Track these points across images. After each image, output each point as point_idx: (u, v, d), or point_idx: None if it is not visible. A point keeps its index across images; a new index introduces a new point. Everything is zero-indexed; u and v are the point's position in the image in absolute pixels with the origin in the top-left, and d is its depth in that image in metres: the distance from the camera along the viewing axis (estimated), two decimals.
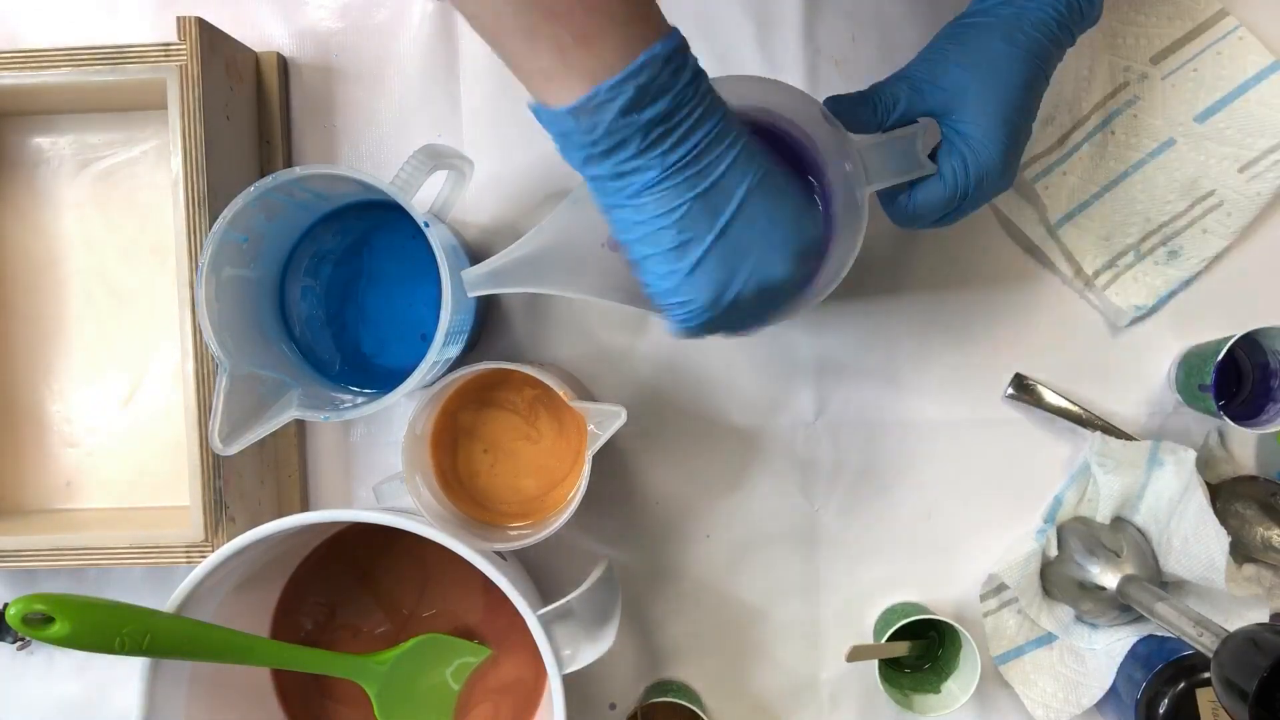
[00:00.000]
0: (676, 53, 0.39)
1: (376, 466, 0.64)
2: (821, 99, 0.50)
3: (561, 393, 0.54)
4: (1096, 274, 0.60)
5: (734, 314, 0.44)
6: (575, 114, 0.39)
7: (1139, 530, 0.60)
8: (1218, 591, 0.55)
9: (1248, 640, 0.43)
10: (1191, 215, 0.60)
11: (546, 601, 0.52)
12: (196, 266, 0.51)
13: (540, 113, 0.41)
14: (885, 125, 0.49)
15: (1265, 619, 0.57)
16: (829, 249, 0.51)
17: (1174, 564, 0.57)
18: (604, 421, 0.53)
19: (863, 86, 0.51)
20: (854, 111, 0.49)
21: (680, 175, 0.40)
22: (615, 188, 0.41)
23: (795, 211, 0.43)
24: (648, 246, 0.42)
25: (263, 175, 0.57)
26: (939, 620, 0.59)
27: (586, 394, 0.62)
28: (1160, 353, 0.61)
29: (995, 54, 0.47)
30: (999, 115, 0.47)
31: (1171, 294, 0.61)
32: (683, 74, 0.39)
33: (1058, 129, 0.60)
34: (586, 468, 0.53)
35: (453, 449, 0.58)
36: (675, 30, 0.40)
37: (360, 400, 0.55)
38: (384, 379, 0.58)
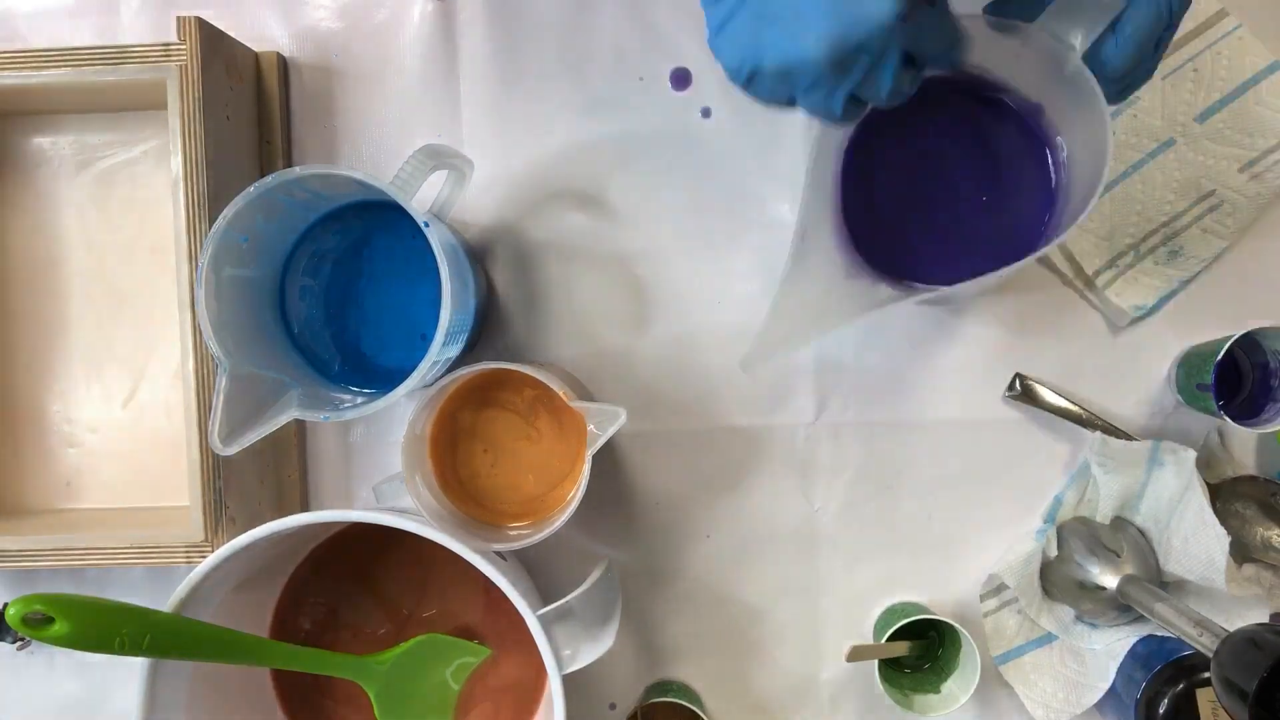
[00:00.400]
0: None
1: (376, 466, 0.64)
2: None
3: (561, 393, 0.54)
4: (1097, 274, 0.60)
5: (771, 91, 0.39)
6: None
7: (1139, 530, 0.60)
8: (1218, 591, 0.55)
9: (1248, 640, 0.43)
10: (1192, 215, 0.60)
11: (546, 601, 0.52)
12: (196, 266, 0.51)
13: None
14: None
15: (1265, 619, 0.57)
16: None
17: (1174, 564, 0.57)
18: (604, 421, 0.53)
19: None
20: None
21: None
22: None
23: None
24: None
25: (263, 175, 0.57)
26: (939, 620, 0.59)
27: (586, 394, 0.62)
28: (1160, 352, 0.61)
29: None
30: None
31: (1172, 294, 0.60)
32: None
33: None
34: (586, 467, 0.53)
35: (453, 449, 0.58)
36: None
37: (360, 400, 0.55)
38: (384, 379, 0.58)
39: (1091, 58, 0.44)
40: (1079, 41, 0.44)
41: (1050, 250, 0.58)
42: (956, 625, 0.58)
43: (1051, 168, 0.53)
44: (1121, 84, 0.45)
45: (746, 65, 0.38)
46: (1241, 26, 0.59)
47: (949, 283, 0.49)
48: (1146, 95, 0.59)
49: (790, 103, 0.41)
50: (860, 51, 0.37)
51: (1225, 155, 0.59)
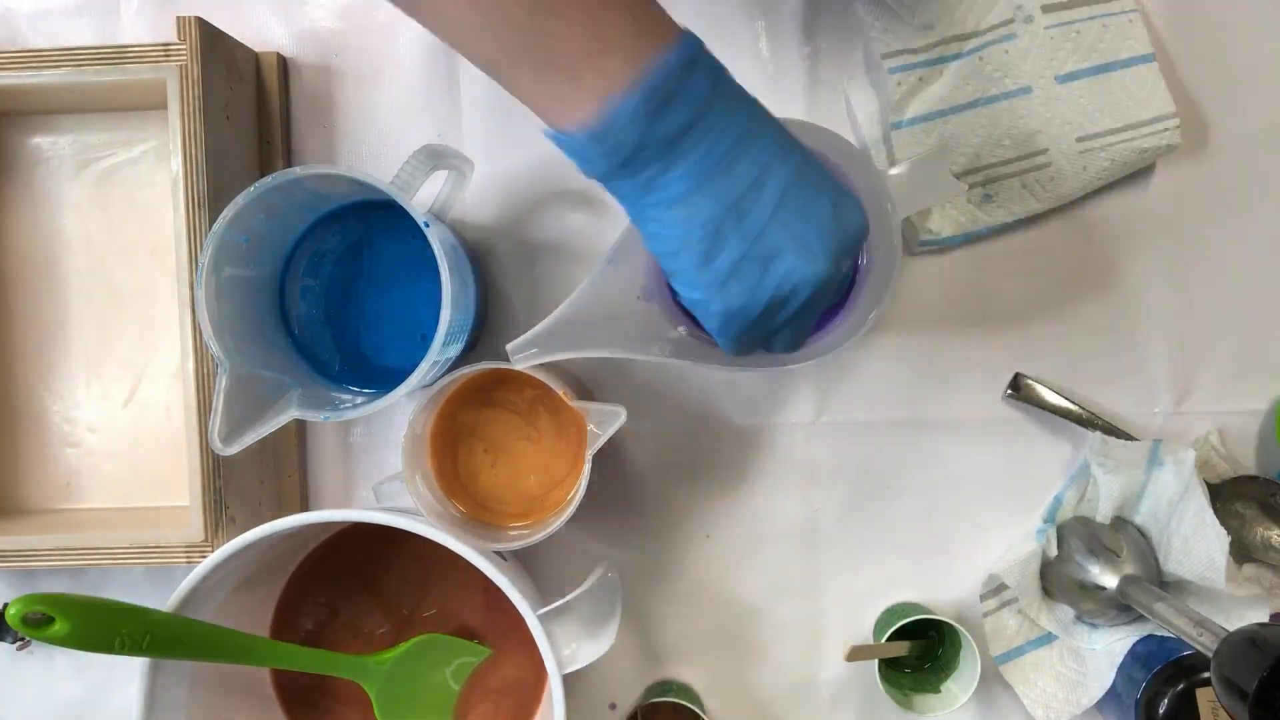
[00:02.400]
0: (692, 57, 0.37)
1: (376, 466, 0.64)
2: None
3: (561, 393, 0.54)
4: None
5: (772, 319, 0.42)
6: (592, 136, 0.37)
7: (1139, 530, 0.60)
8: (1218, 591, 0.55)
9: (1248, 640, 0.43)
10: (1018, 166, 0.59)
11: (546, 601, 0.52)
12: (196, 266, 0.51)
13: (556, 138, 0.39)
14: None
15: (1265, 619, 0.57)
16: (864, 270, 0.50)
17: (1174, 564, 0.57)
18: (604, 421, 0.53)
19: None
20: None
21: (708, 184, 0.38)
22: (643, 202, 0.40)
23: (832, 206, 0.41)
24: (679, 260, 0.40)
25: (263, 175, 0.57)
26: (939, 620, 0.59)
27: (587, 394, 0.62)
28: (1160, 352, 0.61)
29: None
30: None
31: (970, 237, 0.60)
32: (699, 77, 0.37)
33: (935, 36, 0.59)
34: (586, 467, 0.53)
35: (453, 449, 0.58)
36: (686, 33, 0.38)
37: (360, 400, 0.55)
38: (384, 379, 0.58)
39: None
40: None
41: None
42: (956, 625, 0.58)
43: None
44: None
45: (753, 305, 0.41)
46: (1137, 11, 0.59)
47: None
48: (1024, 37, 0.58)
49: (753, 342, 0.44)
50: (848, 251, 0.42)
51: (1069, 121, 0.58)
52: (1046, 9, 0.59)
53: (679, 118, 0.37)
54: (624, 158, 0.38)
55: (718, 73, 0.39)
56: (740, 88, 0.40)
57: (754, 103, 0.40)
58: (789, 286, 0.41)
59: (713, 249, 0.40)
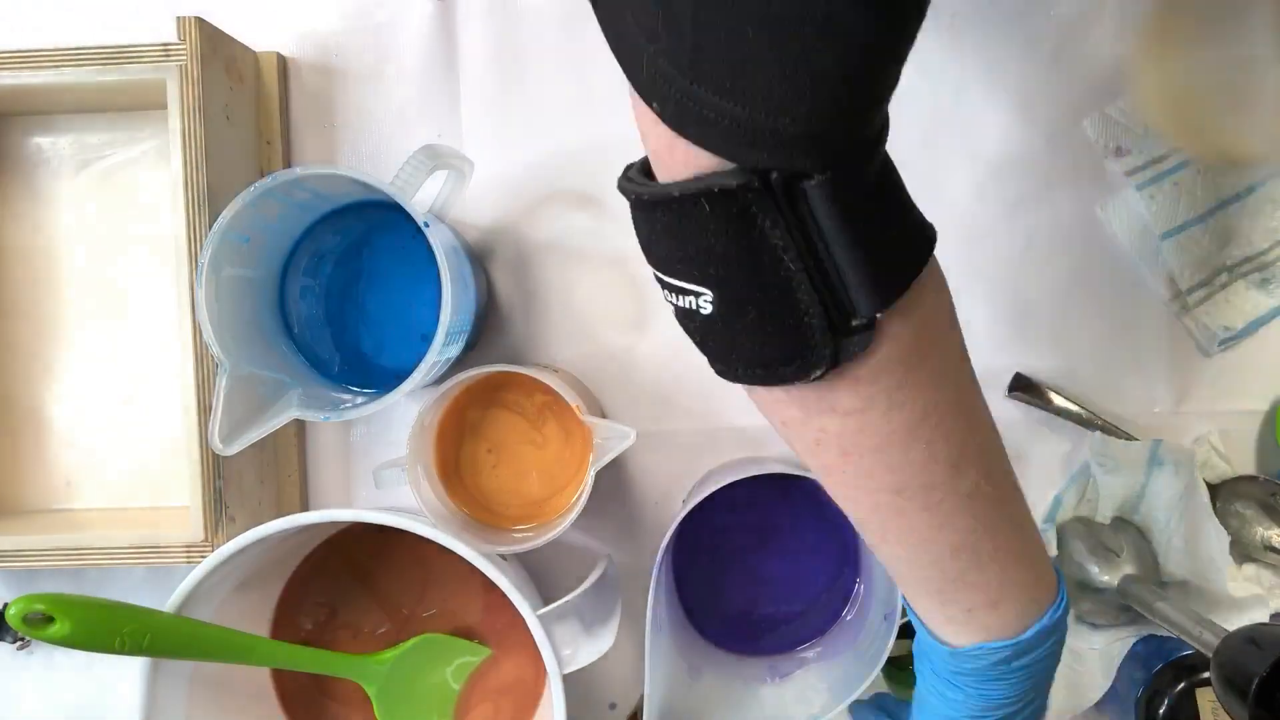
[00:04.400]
0: (1063, 618, 0.40)
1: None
2: None
3: (575, 405, 0.54)
4: (1190, 290, 0.60)
5: None
6: (956, 655, 0.40)
7: (1139, 530, 0.60)
8: (1218, 591, 0.55)
9: (1248, 640, 0.43)
10: None
11: (546, 601, 0.52)
12: (196, 266, 0.51)
13: (925, 642, 0.42)
14: None
15: (1265, 619, 0.57)
16: None
17: (1174, 564, 0.57)
18: (612, 439, 0.53)
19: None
20: None
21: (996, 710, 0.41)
22: (942, 700, 0.42)
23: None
24: None
25: (263, 175, 0.57)
26: None
27: (594, 402, 0.62)
28: (1159, 352, 0.61)
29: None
30: None
31: (1260, 321, 0.60)
32: (1054, 639, 0.40)
33: (1170, 139, 0.60)
34: (589, 480, 0.53)
35: (457, 444, 0.58)
36: (1062, 592, 0.41)
37: (360, 400, 0.55)
38: (384, 379, 0.58)
39: None
40: None
41: (1145, 268, 0.61)
42: None
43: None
44: None
45: None
46: None
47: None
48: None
49: None
50: None
51: None
52: None
53: (1025, 660, 0.40)
54: (971, 675, 0.41)
55: (1063, 632, 0.42)
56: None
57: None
58: None
59: None
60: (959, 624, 0.40)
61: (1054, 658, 0.42)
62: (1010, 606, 0.39)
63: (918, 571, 0.40)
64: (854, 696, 0.53)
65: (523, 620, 0.51)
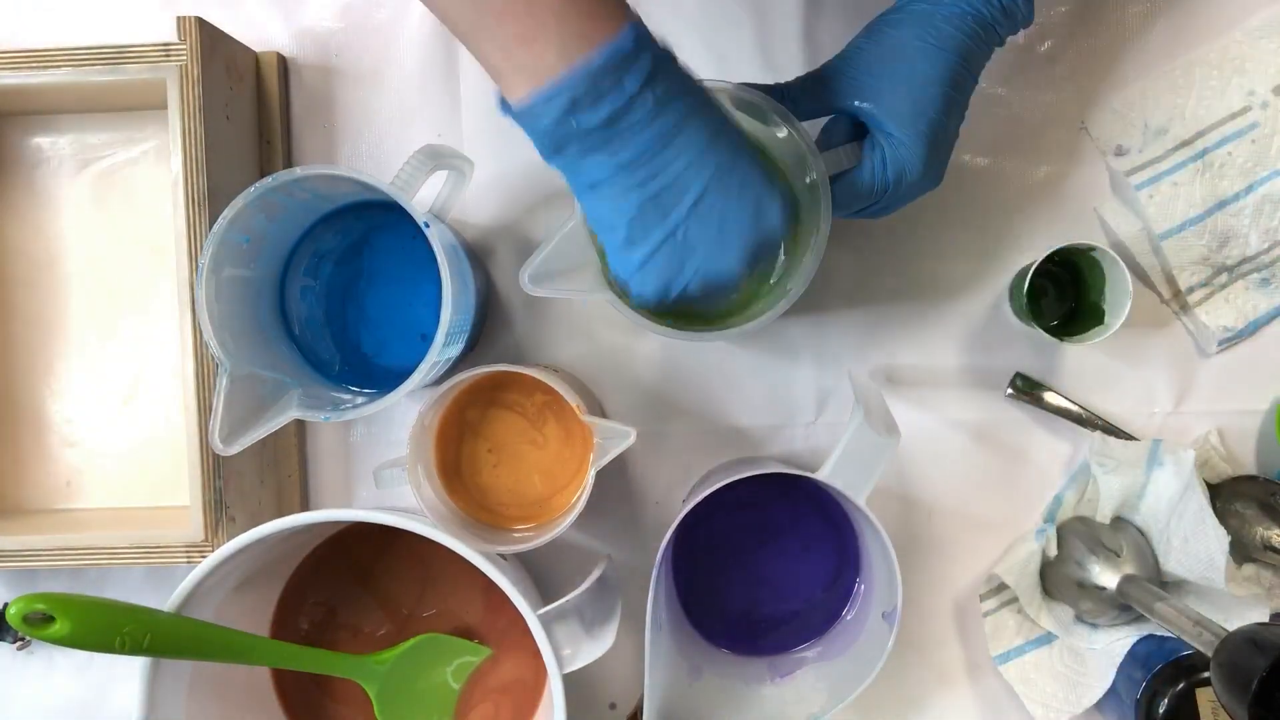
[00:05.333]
0: (623, 57, 0.38)
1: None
2: (757, 85, 0.50)
3: (574, 405, 0.54)
4: (1190, 290, 0.60)
5: (684, 303, 0.45)
6: (520, 115, 0.39)
7: (1139, 530, 0.60)
8: (1218, 591, 0.55)
9: (1247, 640, 0.43)
10: None
11: (546, 601, 0.52)
12: (196, 266, 0.51)
13: (501, 105, 0.41)
14: (802, 119, 0.50)
15: (1265, 619, 0.57)
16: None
17: (1174, 564, 0.57)
18: (612, 439, 0.53)
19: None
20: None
21: (629, 177, 0.40)
22: (572, 181, 0.42)
23: (754, 207, 0.43)
24: (605, 237, 0.43)
25: (263, 175, 0.57)
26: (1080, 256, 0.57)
27: (594, 402, 0.62)
28: (1159, 352, 0.61)
29: (906, 48, 0.47)
30: (914, 111, 0.47)
31: (1257, 325, 0.60)
32: (629, 78, 0.38)
33: (1171, 139, 0.60)
34: (589, 480, 0.53)
35: (458, 444, 0.58)
36: (627, 28, 0.38)
37: (360, 400, 0.55)
38: (384, 379, 0.58)
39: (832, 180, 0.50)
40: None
41: (1144, 268, 0.61)
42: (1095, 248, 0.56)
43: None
44: (854, 214, 0.52)
45: (671, 294, 0.44)
46: None
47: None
48: (1267, 124, 0.59)
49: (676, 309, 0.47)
50: (761, 259, 0.44)
51: None
52: (1278, 91, 0.59)
53: (599, 113, 0.38)
54: (545, 138, 0.39)
55: (654, 68, 0.39)
56: (681, 82, 0.40)
57: (689, 98, 0.41)
58: (700, 282, 0.43)
59: (632, 236, 0.42)
60: (504, 70, 0.38)
61: (662, 109, 0.39)
62: (548, 44, 0.37)
63: (458, 7, 0.38)
64: (854, 696, 0.53)
65: (523, 620, 0.51)
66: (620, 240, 0.42)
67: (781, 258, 0.54)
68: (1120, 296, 0.56)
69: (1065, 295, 0.61)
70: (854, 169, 0.49)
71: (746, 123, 0.52)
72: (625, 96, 0.38)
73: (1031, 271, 0.56)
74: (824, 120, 0.52)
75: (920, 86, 0.47)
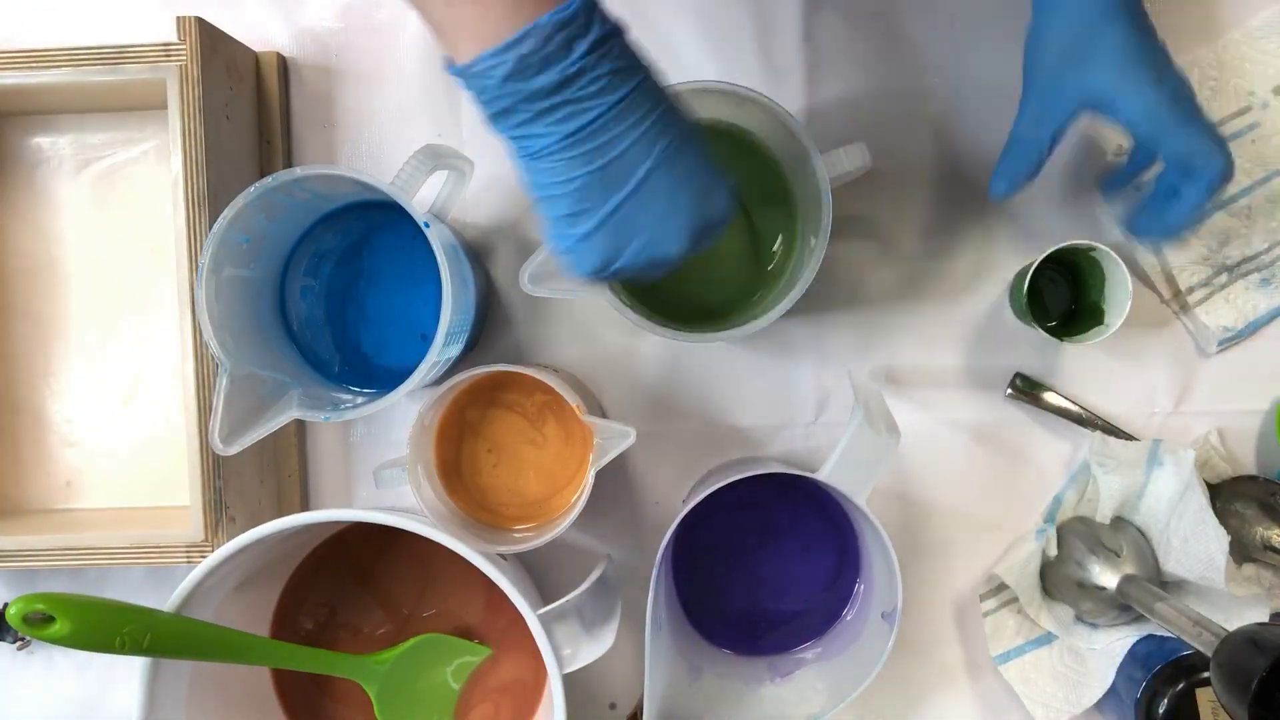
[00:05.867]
0: (571, 21, 0.37)
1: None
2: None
3: (574, 405, 0.54)
4: (1190, 290, 0.60)
5: (623, 278, 0.44)
6: (464, 76, 0.38)
7: (1139, 530, 0.60)
8: (1218, 591, 0.55)
9: (1247, 640, 0.43)
10: None
11: (546, 601, 0.52)
12: (196, 266, 0.51)
13: (447, 66, 0.40)
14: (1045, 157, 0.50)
15: (1265, 619, 0.57)
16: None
17: (1174, 564, 0.57)
18: (612, 439, 0.53)
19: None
20: (1022, 173, 0.51)
21: (576, 148, 0.39)
22: (515, 148, 0.41)
23: (700, 190, 0.42)
24: (546, 208, 0.42)
25: (263, 175, 0.57)
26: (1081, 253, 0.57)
27: (594, 402, 0.62)
28: (1159, 352, 0.61)
29: (1084, 29, 0.46)
30: (1141, 83, 0.45)
31: (1257, 325, 0.60)
32: (578, 43, 0.37)
33: None
34: (589, 480, 0.53)
35: (458, 444, 0.58)
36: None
37: (360, 400, 0.55)
38: (384, 379, 0.58)
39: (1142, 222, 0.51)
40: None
41: (1144, 269, 0.61)
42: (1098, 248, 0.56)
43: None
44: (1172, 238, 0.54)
45: (611, 268, 0.42)
46: None
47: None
48: (1266, 124, 0.59)
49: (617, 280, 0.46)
50: (709, 235, 0.43)
51: None
52: (1278, 91, 0.59)
53: (546, 78, 0.37)
54: (490, 102, 0.39)
55: (604, 37, 0.38)
56: (632, 58, 0.40)
57: (640, 76, 0.40)
58: (643, 260, 0.42)
59: (575, 210, 0.41)
60: (447, 27, 0.38)
61: (612, 84, 0.38)
62: (494, 7, 0.36)
63: None
64: (854, 696, 0.53)
65: (523, 620, 0.51)
66: (562, 213, 0.41)
67: (778, 248, 0.54)
68: (1120, 296, 0.56)
69: (1065, 295, 0.61)
70: (1170, 202, 0.49)
71: (746, 111, 0.52)
72: (574, 62, 0.38)
73: (1031, 271, 0.56)
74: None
75: (1125, 52, 0.45)
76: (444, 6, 0.38)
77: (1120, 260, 0.55)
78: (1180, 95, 0.47)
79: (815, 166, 0.49)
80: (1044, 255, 0.55)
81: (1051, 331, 0.56)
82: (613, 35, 0.39)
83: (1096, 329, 0.57)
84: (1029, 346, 0.62)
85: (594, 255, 0.42)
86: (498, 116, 0.39)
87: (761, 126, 0.54)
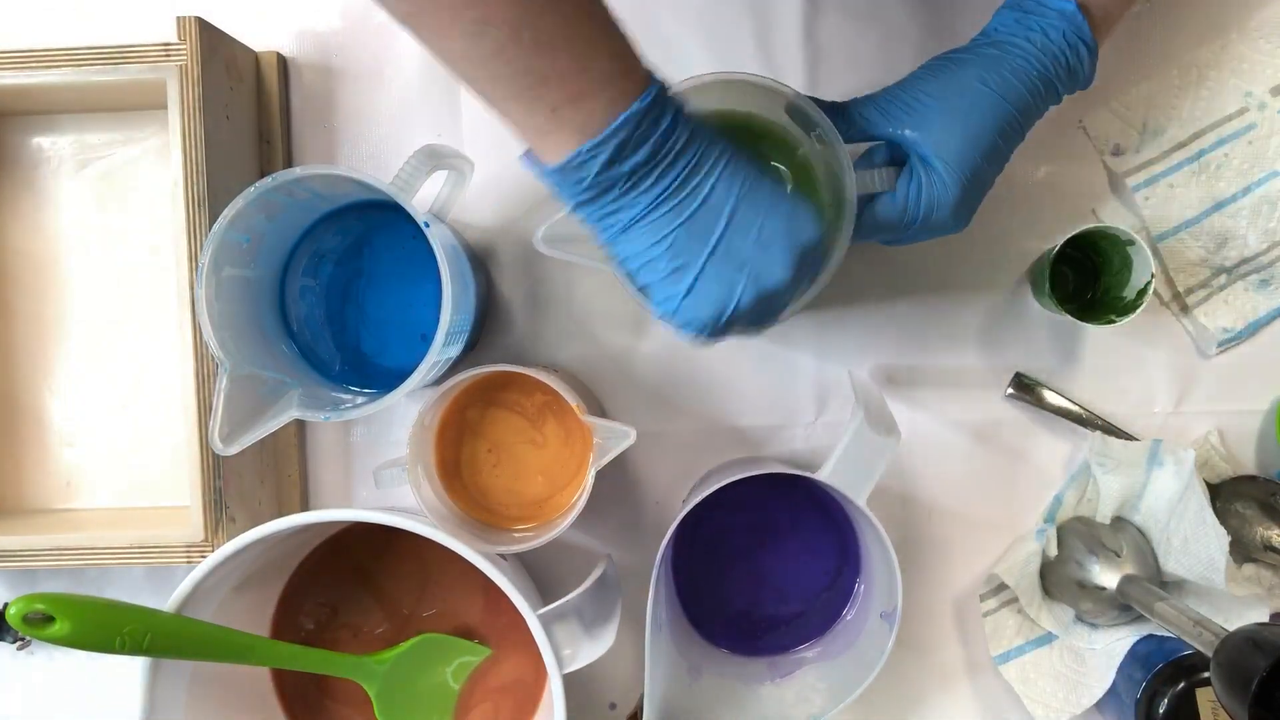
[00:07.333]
0: (655, 104, 0.40)
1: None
2: (818, 99, 0.51)
3: (575, 405, 0.54)
4: (1189, 291, 0.60)
5: (740, 322, 0.44)
6: (563, 170, 0.41)
7: (1139, 530, 0.60)
8: (1218, 591, 0.55)
9: (1247, 640, 0.43)
10: None
11: (546, 601, 0.52)
12: (196, 266, 0.51)
13: (532, 165, 0.42)
14: (849, 140, 0.50)
15: (1265, 619, 0.57)
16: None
17: (1174, 564, 0.57)
18: (612, 439, 0.53)
19: (862, 87, 0.51)
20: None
21: (665, 206, 0.42)
22: (607, 225, 0.43)
23: (788, 214, 0.43)
24: (646, 275, 0.43)
25: (263, 175, 0.57)
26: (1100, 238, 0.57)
27: (593, 399, 0.62)
28: (1159, 352, 0.61)
29: (967, 89, 0.47)
30: (960, 151, 0.47)
31: (1257, 325, 0.60)
32: (663, 120, 0.41)
33: (1168, 141, 0.60)
34: (589, 480, 0.53)
35: (457, 444, 0.58)
36: (654, 81, 0.41)
37: (360, 400, 0.55)
38: (384, 379, 0.58)
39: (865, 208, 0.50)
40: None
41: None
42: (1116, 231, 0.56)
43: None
44: (872, 238, 0.52)
45: (726, 313, 0.43)
46: None
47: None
48: (1265, 125, 0.59)
49: (729, 333, 0.46)
50: (807, 266, 0.44)
51: None
52: (1275, 92, 0.60)
53: (639, 156, 0.41)
54: (588, 188, 0.41)
55: (677, 112, 0.42)
56: (695, 120, 0.42)
57: (706, 130, 0.43)
58: (752, 297, 0.43)
59: (674, 266, 0.42)
60: (549, 129, 0.40)
61: (688, 146, 0.41)
62: (596, 102, 0.39)
63: (488, 74, 0.40)
64: (854, 696, 0.53)
65: (523, 620, 0.51)
66: (663, 272, 0.43)
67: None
68: (1142, 279, 0.55)
69: (1076, 284, 0.61)
70: (885, 195, 0.49)
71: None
72: (659, 135, 0.41)
73: (1052, 256, 0.56)
74: (869, 145, 0.53)
75: (972, 128, 0.47)
76: (549, 113, 0.40)
77: (1144, 244, 0.55)
78: (980, 170, 0.48)
79: (846, 181, 0.49)
80: (1066, 238, 0.55)
81: (1075, 315, 0.56)
82: (680, 107, 0.42)
83: (1125, 309, 0.56)
84: (1029, 346, 0.62)
85: (704, 306, 0.43)
86: (592, 200, 0.42)
87: (800, 136, 0.54)
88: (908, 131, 0.48)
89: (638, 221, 0.42)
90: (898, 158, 0.50)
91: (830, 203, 0.53)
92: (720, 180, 0.42)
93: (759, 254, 0.43)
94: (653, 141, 0.40)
